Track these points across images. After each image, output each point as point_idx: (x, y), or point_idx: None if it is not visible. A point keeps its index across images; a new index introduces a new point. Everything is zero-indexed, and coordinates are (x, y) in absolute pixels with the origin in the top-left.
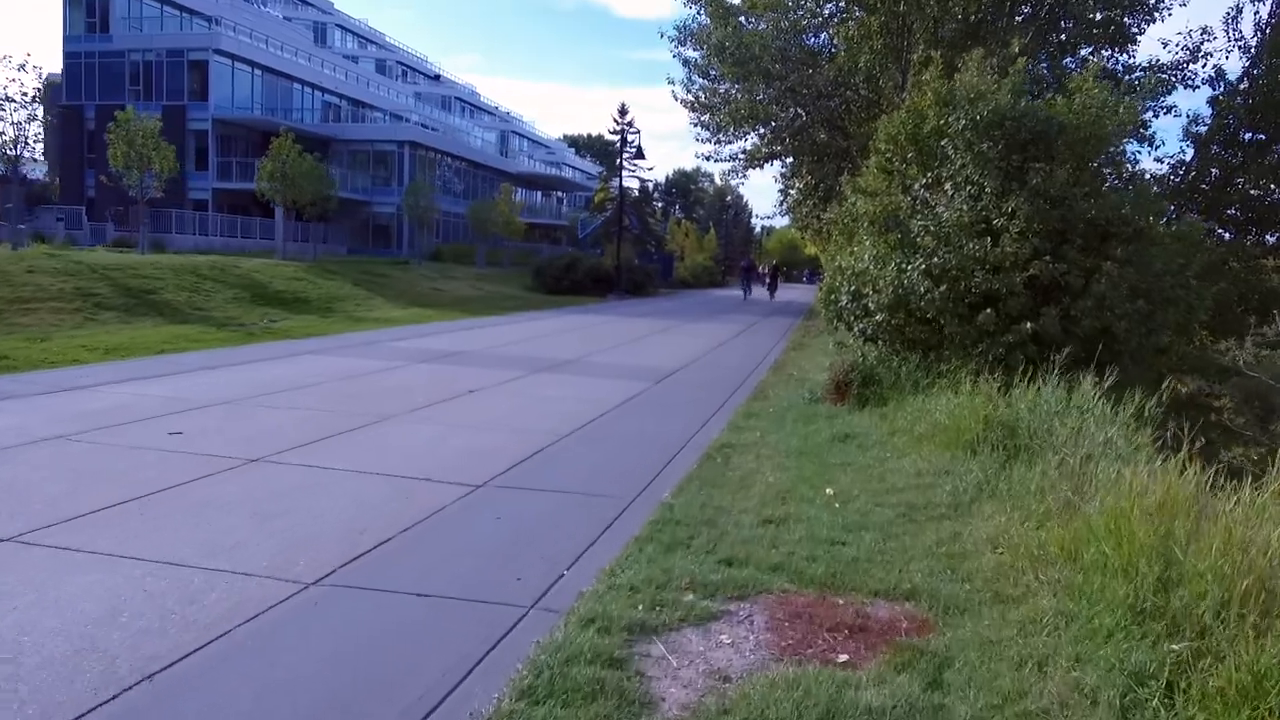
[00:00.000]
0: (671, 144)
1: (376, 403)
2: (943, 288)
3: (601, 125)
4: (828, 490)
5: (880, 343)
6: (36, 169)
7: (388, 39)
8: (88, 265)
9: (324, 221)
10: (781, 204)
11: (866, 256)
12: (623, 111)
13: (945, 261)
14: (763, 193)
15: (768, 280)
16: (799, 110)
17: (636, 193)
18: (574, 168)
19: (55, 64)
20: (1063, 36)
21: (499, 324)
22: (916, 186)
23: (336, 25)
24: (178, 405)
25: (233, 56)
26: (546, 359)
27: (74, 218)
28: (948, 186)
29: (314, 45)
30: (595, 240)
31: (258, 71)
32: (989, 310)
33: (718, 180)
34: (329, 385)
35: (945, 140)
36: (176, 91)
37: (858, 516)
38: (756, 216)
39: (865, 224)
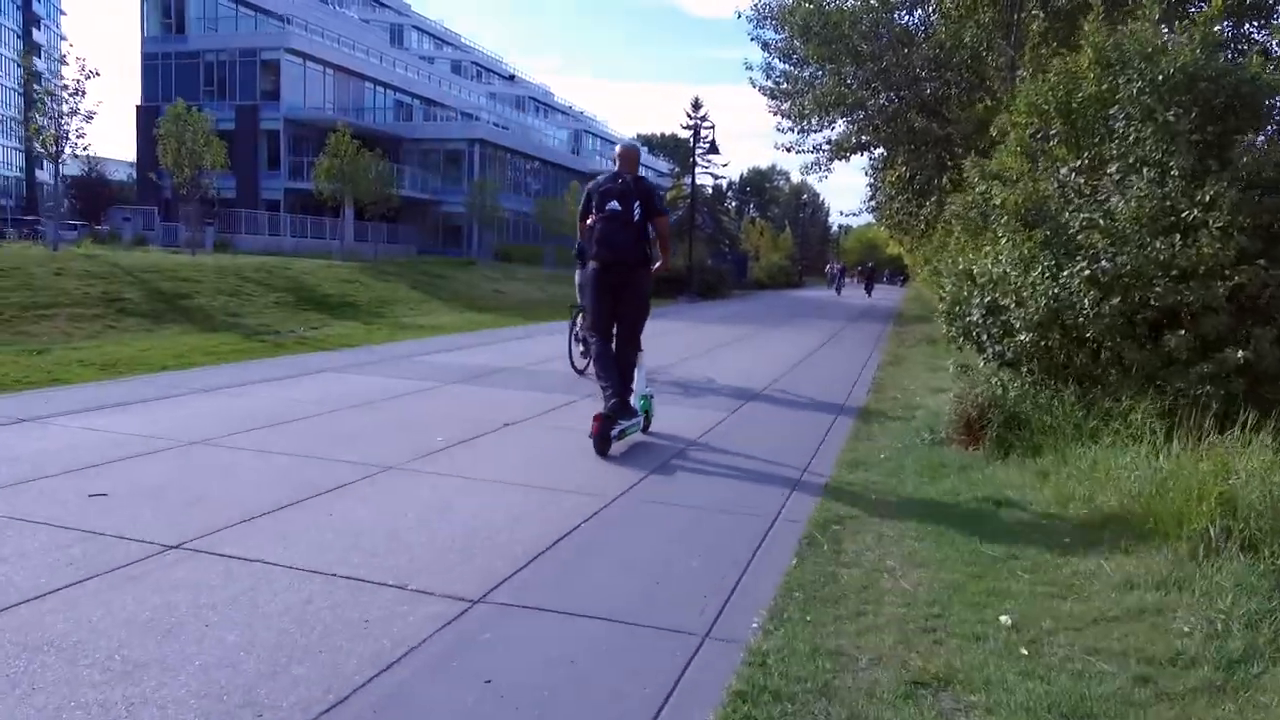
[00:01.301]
0: (746, 143)
1: (383, 443)
2: (1115, 300)
3: (674, 124)
4: (1002, 618)
5: (1024, 370)
6: (119, 170)
7: (463, 40)
8: (123, 268)
9: (391, 221)
10: (871, 199)
11: (1004, 259)
12: (696, 105)
13: (1118, 266)
14: (841, 191)
15: (864, 281)
16: (893, 94)
17: (709, 190)
18: (647, 166)
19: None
20: (1203, 6)
21: (558, 332)
22: (1064, 170)
23: (413, 26)
24: (132, 448)
25: (304, 55)
26: None
27: (149, 218)
28: (1114, 169)
29: (389, 46)
30: None
31: (329, 70)
32: (1182, 332)
33: (793, 178)
34: (335, 416)
35: (1114, 108)
36: (249, 91)
37: (1067, 680)
38: (841, 213)
39: (1002, 217)
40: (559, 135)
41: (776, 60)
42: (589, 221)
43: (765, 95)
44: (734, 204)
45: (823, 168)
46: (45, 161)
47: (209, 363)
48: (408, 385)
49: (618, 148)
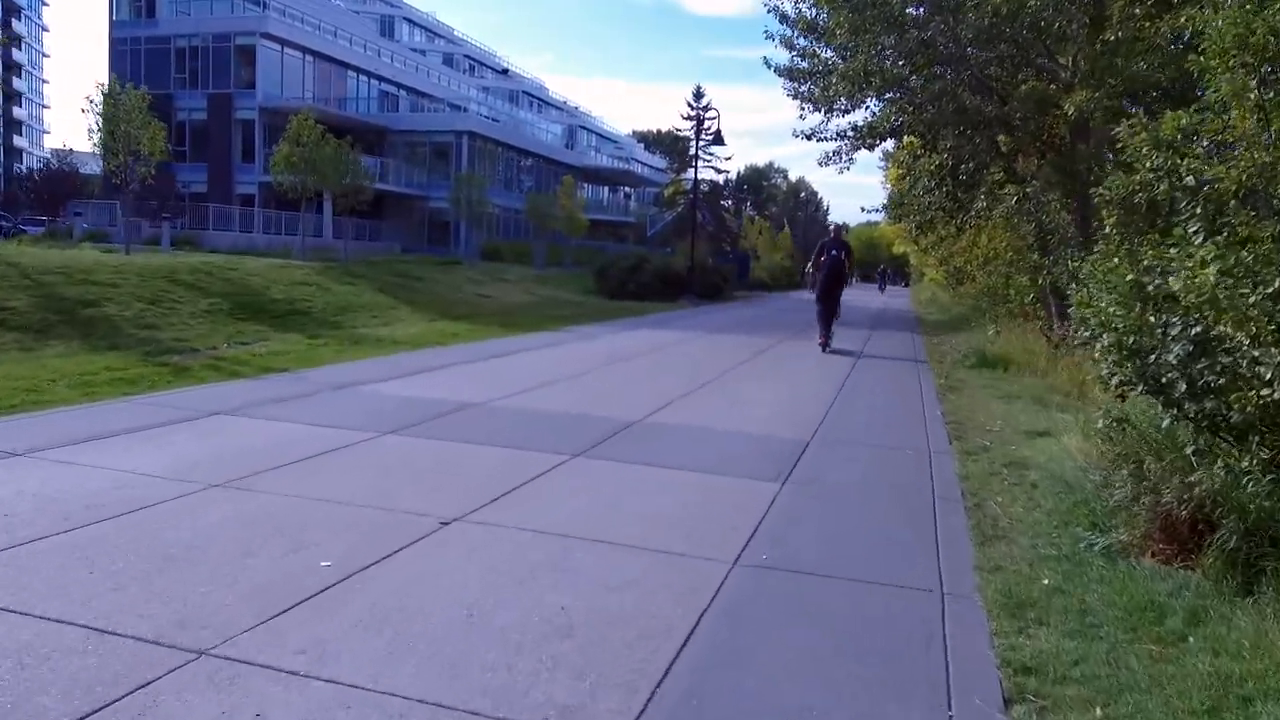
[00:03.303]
0: (742, 141)
1: (224, 575)
2: None
3: (670, 122)
4: None
5: (1254, 442)
6: (94, 163)
7: (456, 33)
8: (20, 269)
9: (372, 217)
10: (910, 189)
11: (1213, 271)
12: (698, 95)
13: None
14: (842, 190)
15: (878, 280)
16: (940, 68)
17: (707, 187)
18: (643, 163)
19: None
20: None
21: (542, 346)
22: (1274, 129)
23: (404, 19)
24: None
25: (282, 41)
26: (597, 420)
27: (112, 213)
28: None
29: (379, 37)
30: (664, 239)
31: (309, 58)
32: None
33: (791, 175)
34: (178, 508)
35: None
36: (223, 79)
37: None
38: (863, 209)
39: (1197, 205)
40: (553, 130)
41: (799, 33)
42: (822, 259)
43: (781, 76)
44: (731, 203)
45: (844, 157)
46: None
47: (70, 399)
48: (324, 438)
49: (833, 224)
